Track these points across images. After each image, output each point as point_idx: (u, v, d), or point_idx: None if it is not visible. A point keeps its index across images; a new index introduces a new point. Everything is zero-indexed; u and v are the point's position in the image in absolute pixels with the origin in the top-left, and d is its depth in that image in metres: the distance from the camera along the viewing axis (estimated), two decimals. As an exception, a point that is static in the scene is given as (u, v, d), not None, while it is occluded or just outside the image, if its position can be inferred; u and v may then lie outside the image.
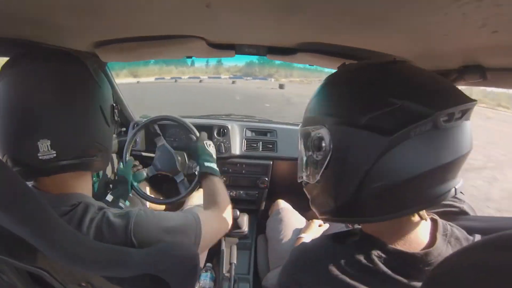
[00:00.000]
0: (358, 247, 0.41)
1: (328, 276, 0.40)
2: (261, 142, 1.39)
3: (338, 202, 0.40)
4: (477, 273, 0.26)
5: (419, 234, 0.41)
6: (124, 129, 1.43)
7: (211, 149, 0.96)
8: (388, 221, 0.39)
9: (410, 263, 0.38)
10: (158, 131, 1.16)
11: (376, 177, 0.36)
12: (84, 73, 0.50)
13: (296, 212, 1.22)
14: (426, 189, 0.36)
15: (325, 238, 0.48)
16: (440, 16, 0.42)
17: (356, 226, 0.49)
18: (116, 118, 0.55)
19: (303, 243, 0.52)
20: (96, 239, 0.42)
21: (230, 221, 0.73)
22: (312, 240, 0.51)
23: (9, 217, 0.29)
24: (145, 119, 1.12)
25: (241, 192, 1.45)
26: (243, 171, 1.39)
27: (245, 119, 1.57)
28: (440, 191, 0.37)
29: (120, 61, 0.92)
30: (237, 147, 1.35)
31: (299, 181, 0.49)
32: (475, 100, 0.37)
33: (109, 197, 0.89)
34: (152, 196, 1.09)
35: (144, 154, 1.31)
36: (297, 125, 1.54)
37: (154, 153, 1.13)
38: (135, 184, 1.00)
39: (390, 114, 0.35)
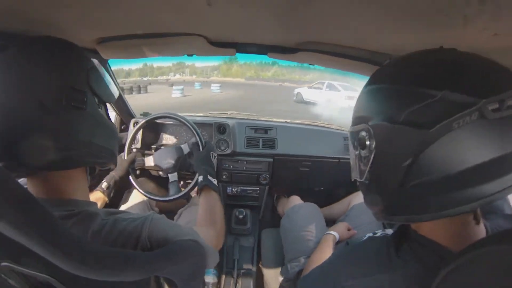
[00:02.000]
0: (413, 251, 0.40)
1: (376, 270, 0.40)
2: (261, 140, 1.39)
3: (385, 200, 0.39)
4: (490, 264, 0.26)
5: (478, 238, 0.38)
6: (123, 126, 1.43)
7: (215, 161, 0.96)
8: (444, 223, 0.37)
9: None
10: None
11: (418, 173, 0.34)
12: (10, 59, 0.44)
13: (311, 205, 1.23)
14: (474, 186, 0.33)
15: (380, 241, 0.46)
16: (441, 17, 0.42)
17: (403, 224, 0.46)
18: (75, 103, 0.45)
19: (355, 243, 0.50)
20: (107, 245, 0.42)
21: (223, 239, 0.73)
22: (365, 242, 0.50)
23: (10, 226, 0.28)
24: (146, 117, 1.12)
25: (243, 188, 1.45)
26: (244, 168, 1.39)
27: (245, 117, 1.57)
28: (492, 189, 0.32)
29: (121, 58, 0.92)
30: (237, 144, 1.36)
31: (352, 180, 0.47)
32: None
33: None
34: (149, 191, 1.09)
35: (144, 151, 1.31)
36: (297, 123, 1.55)
37: (152, 150, 1.13)
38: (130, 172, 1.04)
39: (429, 107, 0.33)
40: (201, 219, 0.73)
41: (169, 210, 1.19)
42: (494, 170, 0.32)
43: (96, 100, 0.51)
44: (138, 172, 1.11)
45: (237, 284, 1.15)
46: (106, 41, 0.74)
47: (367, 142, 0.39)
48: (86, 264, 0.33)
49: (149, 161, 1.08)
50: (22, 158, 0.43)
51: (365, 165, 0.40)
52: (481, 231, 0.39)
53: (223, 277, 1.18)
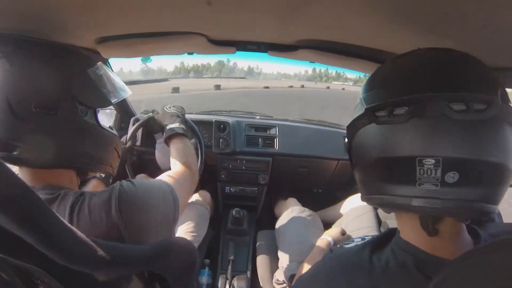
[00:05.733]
0: (394, 255, 0.41)
1: (361, 276, 0.40)
2: (261, 139, 1.39)
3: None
4: (483, 273, 0.26)
5: (459, 243, 0.39)
6: (123, 124, 1.44)
7: (173, 109, 0.91)
8: (416, 227, 0.39)
9: None
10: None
11: (352, 155, 0.44)
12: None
13: (308, 211, 1.22)
14: (374, 181, 0.39)
15: (362, 246, 0.47)
16: (440, 15, 0.42)
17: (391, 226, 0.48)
18: (44, 109, 0.46)
19: (339, 250, 0.51)
20: (80, 225, 0.42)
21: (197, 177, 0.74)
22: (349, 248, 0.50)
23: (7, 217, 0.29)
24: (146, 115, 1.12)
25: (241, 188, 1.45)
26: (243, 167, 1.39)
27: (245, 115, 1.57)
28: (384, 190, 0.37)
29: (122, 57, 0.92)
30: (237, 143, 1.36)
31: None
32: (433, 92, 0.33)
33: None
34: None
35: (143, 149, 1.32)
36: (297, 122, 1.55)
37: (152, 149, 1.13)
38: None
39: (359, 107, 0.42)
40: (174, 169, 0.72)
41: None
42: (385, 172, 0.37)
43: (78, 105, 0.50)
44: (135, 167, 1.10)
45: (232, 286, 1.15)
46: (106, 40, 0.74)
47: None
48: (80, 258, 0.34)
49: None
50: (6, 152, 0.46)
51: None
52: (462, 239, 0.39)
53: (218, 278, 1.18)
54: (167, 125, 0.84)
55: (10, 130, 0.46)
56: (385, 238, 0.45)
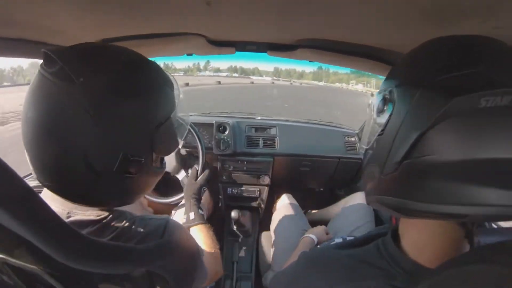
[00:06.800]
0: (379, 250, 0.39)
1: (340, 281, 0.38)
2: (261, 139, 1.39)
3: (383, 172, 0.35)
4: (461, 285, 0.26)
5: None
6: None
7: (205, 195, 0.97)
8: (433, 237, 0.35)
9: None
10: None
11: (427, 147, 0.30)
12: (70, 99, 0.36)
13: (296, 207, 1.23)
14: (479, 185, 0.27)
15: (339, 245, 0.45)
16: (438, 12, 0.42)
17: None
18: (126, 172, 0.41)
19: (317, 248, 0.49)
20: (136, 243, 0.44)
21: (219, 269, 0.73)
22: (327, 246, 0.49)
23: (9, 215, 0.29)
24: None
25: (243, 189, 1.45)
26: (245, 168, 1.39)
27: (245, 116, 1.57)
28: (497, 199, 0.26)
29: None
30: (238, 144, 1.36)
31: (360, 151, 0.45)
32: None
33: None
34: (152, 195, 1.08)
35: None
36: (297, 121, 1.55)
37: None
38: None
39: (466, 76, 0.29)
40: (206, 251, 0.71)
41: (162, 211, 1.17)
42: (490, 175, 0.26)
43: (154, 157, 0.46)
44: None
45: (237, 287, 1.15)
46: (106, 42, 0.75)
47: (385, 107, 0.35)
48: (80, 256, 0.34)
49: None
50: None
51: (376, 131, 0.37)
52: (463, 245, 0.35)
53: (222, 279, 1.18)
54: (192, 206, 0.86)
55: (81, 183, 0.40)
56: (365, 241, 0.44)
